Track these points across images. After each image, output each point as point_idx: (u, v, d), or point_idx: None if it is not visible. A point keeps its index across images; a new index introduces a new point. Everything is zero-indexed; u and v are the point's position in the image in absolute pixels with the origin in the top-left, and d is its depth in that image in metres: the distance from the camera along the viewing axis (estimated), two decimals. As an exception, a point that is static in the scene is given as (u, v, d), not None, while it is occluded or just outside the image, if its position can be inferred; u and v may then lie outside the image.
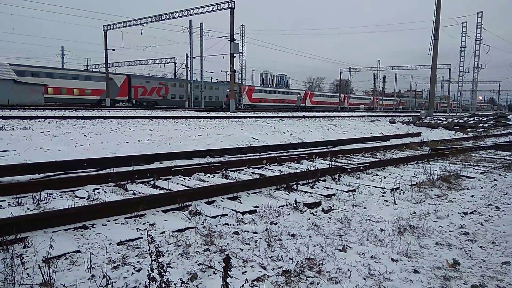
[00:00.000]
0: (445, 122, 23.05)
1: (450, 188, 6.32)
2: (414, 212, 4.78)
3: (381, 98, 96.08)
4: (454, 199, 5.60)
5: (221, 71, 69.24)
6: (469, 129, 21.51)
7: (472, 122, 23.57)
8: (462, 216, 4.64)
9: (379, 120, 28.14)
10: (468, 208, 4.99)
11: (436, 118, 25.79)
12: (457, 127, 21.87)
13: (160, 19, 40.58)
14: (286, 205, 4.93)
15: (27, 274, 2.83)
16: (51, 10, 66.31)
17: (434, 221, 4.41)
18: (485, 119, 26.04)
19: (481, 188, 6.37)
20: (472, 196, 5.76)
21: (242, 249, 3.44)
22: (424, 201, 5.45)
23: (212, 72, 69.85)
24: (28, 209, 4.54)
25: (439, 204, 5.27)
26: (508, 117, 30.70)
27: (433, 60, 29.71)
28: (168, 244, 3.52)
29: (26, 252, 3.24)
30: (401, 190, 6.08)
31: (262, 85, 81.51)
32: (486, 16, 48.30)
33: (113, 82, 48.28)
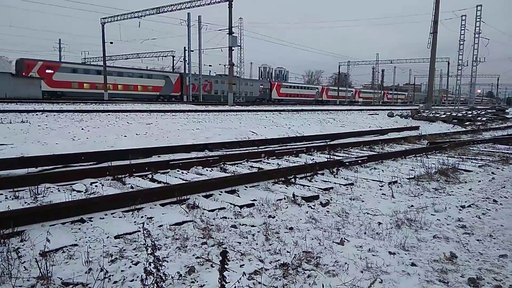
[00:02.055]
0: (444, 116, 23.04)
1: (448, 181, 6.33)
2: (412, 206, 4.79)
3: (391, 92, 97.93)
4: (452, 192, 5.61)
5: (219, 64, 68.89)
6: (467, 123, 21.52)
7: (470, 115, 23.58)
8: (460, 210, 4.65)
9: (378, 114, 28.12)
10: (465, 202, 5.00)
11: (434, 112, 25.79)
12: (455, 121, 21.88)
13: (158, 11, 40.25)
14: (284, 198, 4.93)
15: (24, 267, 2.82)
16: (48, 3, 65.73)
17: (431, 215, 4.42)
18: (483, 112, 26.07)
19: (479, 181, 6.38)
20: (470, 189, 5.77)
21: (240, 243, 3.44)
22: (422, 194, 5.46)
23: (211, 66, 69.43)
24: (25, 202, 4.53)
25: (437, 197, 5.28)
26: (507, 110, 30.70)
27: (432, 53, 29.64)
28: (166, 237, 3.52)
29: (23, 245, 3.23)
30: (399, 183, 6.09)
31: (286, 81, 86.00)
32: (486, 10, 48.17)
33: (169, 80, 53.76)
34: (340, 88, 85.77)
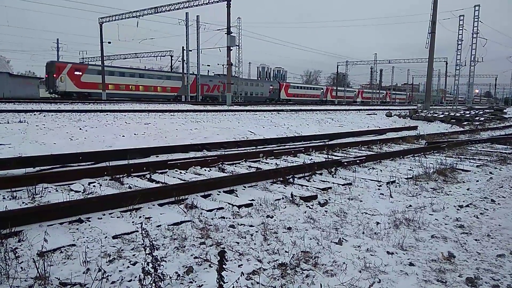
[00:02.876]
0: (442, 116, 23.08)
1: (446, 181, 6.34)
2: (410, 205, 4.79)
3: (393, 92, 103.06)
4: (450, 192, 5.62)
5: (218, 64, 69.02)
6: (465, 123, 21.55)
7: (468, 115, 23.62)
8: (458, 209, 4.66)
9: (376, 114, 28.16)
10: (463, 201, 5.00)
11: (432, 112, 25.84)
12: (454, 121, 21.91)
13: (156, 11, 40.20)
14: (283, 198, 4.93)
15: (21, 268, 2.81)
16: (46, 3, 65.63)
17: (429, 214, 4.42)
18: (481, 112, 26.11)
19: (477, 181, 6.39)
20: (468, 189, 5.78)
21: (238, 243, 3.44)
22: (420, 194, 5.46)
23: (209, 65, 69.64)
24: (23, 202, 4.52)
25: (435, 197, 5.28)
26: (504, 110, 30.76)
27: (430, 53, 29.68)
28: (164, 237, 3.51)
29: (20, 246, 3.22)
30: (397, 183, 6.09)
31: (293, 82, 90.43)
32: (484, 10, 48.22)
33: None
34: (344, 89, 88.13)
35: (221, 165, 7.21)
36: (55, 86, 43.36)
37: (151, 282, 2.37)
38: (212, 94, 57.50)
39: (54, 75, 43.24)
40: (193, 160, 7.08)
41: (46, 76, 45.50)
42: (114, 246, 3.27)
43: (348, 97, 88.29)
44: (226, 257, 2.38)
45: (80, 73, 45.36)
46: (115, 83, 48.43)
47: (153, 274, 2.37)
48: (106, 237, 3.46)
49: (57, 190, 5.09)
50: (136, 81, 51.00)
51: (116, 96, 45.76)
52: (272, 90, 70.37)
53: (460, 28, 47.85)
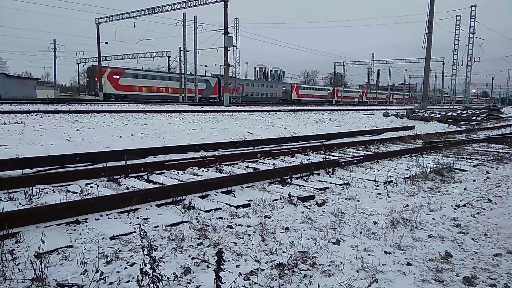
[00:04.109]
0: (439, 115, 23.15)
1: (443, 181, 6.36)
2: (407, 205, 4.81)
3: (395, 93, 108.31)
4: (447, 191, 5.64)
5: (215, 64, 69.13)
6: (462, 122, 21.61)
7: (465, 115, 23.69)
8: (455, 209, 4.68)
9: (373, 114, 28.19)
10: (460, 201, 5.02)
11: (429, 112, 25.90)
12: (450, 120, 21.98)
13: (153, 12, 40.13)
14: (280, 198, 4.93)
15: (19, 269, 2.81)
16: (42, 3, 65.39)
17: (427, 214, 4.44)
18: (478, 112, 26.19)
19: (474, 180, 6.41)
20: (465, 188, 5.80)
21: (235, 243, 3.44)
22: (417, 194, 5.48)
23: (206, 66, 69.81)
24: (20, 204, 4.50)
25: (432, 196, 5.30)
26: (501, 110, 30.87)
27: (426, 53, 29.74)
28: (162, 238, 3.51)
29: (17, 247, 3.21)
30: (395, 183, 6.11)
31: (304, 83, 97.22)
32: (481, 10, 48.36)
33: (209, 83, 59.28)
34: (350, 90, 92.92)
35: (218, 165, 7.21)
36: (96, 89, 46.31)
37: (149, 283, 2.37)
38: (232, 96, 58.96)
39: (96, 79, 46.22)
40: (191, 160, 7.07)
41: (87, 79, 49.14)
42: (111, 247, 3.27)
43: (353, 97, 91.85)
44: (223, 257, 2.38)
45: (118, 77, 48.48)
46: (148, 85, 52.11)
47: (151, 275, 2.37)
48: (103, 238, 3.46)
49: (54, 191, 5.08)
50: (166, 84, 54.62)
51: (147, 97, 49.12)
52: (284, 91, 73.60)
53: (457, 28, 47.94)
